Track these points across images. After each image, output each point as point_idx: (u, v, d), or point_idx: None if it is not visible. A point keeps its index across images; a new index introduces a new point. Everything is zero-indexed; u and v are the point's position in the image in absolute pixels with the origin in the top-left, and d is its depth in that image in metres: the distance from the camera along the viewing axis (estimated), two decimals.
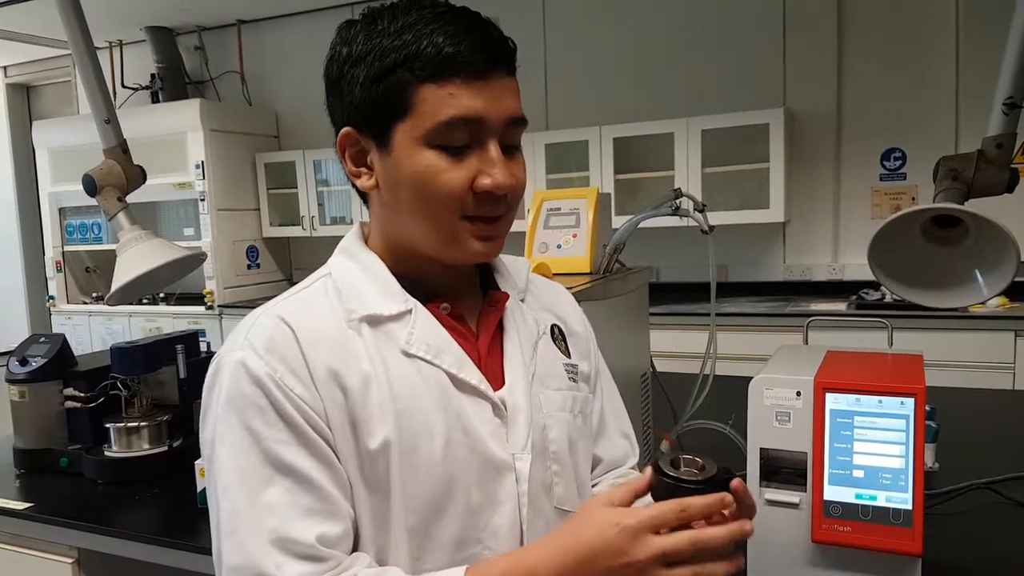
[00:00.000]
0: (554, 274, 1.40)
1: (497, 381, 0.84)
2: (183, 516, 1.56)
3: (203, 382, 0.80)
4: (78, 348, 2.19)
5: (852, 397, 1.04)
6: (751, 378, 1.10)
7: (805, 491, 1.07)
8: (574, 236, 1.58)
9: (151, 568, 1.48)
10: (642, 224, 1.58)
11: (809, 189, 4.03)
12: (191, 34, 5.39)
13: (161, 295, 5.02)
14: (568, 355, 0.94)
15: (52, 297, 5.34)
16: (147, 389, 1.87)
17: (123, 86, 5.46)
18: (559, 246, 1.58)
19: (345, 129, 0.81)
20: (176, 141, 4.75)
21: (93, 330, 5.17)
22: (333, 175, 4.92)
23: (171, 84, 5.23)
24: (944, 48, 3.73)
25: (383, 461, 0.77)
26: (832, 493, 1.05)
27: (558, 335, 0.95)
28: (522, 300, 0.93)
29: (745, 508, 0.74)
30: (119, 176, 2.07)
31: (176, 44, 5.34)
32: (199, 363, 1.88)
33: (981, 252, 1.33)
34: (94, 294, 5.33)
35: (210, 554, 0.78)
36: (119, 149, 2.08)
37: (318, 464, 0.75)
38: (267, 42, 5.26)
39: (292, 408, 0.75)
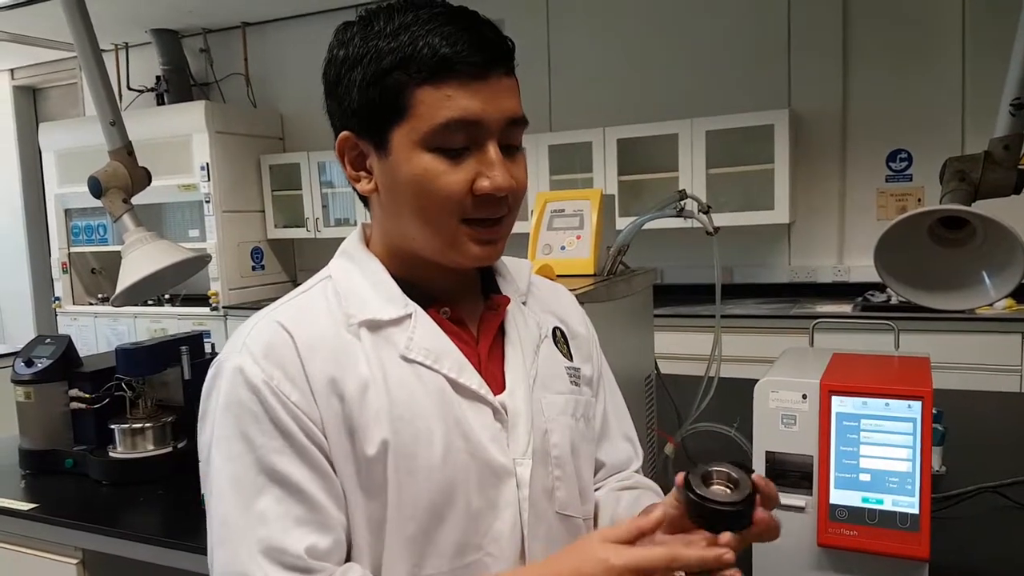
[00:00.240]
0: (558, 276, 1.40)
1: (498, 385, 0.84)
2: (187, 517, 1.56)
3: None
4: (84, 349, 2.20)
5: (859, 400, 1.04)
6: (756, 380, 1.09)
7: (811, 494, 1.06)
8: (578, 238, 1.58)
9: (155, 569, 1.48)
10: (646, 225, 1.57)
11: (814, 190, 4.02)
12: (196, 36, 5.41)
13: (166, 296, 5.03)
14: (570, 358, 0.94)
15: (58, 298, 5.36)
16: (152, 390, 1.88)
17: (129, 88, 5.48)
18: (563, 248, 1.58)
19: (343, 133, 0.81)
20: (181, 143, 4.77)
21: (99, 331, 5.18)
22: (337, 177, 4.93)
23: (176, 86, 5.25)
24: (950, 48, 3.72)
25: (380, 467, 0.76)
26: (838, 497, 1.04)
27: (560, 338, 0.94)
28: (524, 303, 0.93)
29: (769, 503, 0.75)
30: (124, 178, 2.07)
31: (181, 47, 5.35)
32: (204, 364, 1.88)
33: (988, 254, 1.32)
34: (100, 295, 5.35)
35: None
36: (124, 151, 2.09)
37: (311, 474, 0.74)
38: (272, 44, 5.27)
39: (287, 416, 0.74)
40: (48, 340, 1.92)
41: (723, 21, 4.10)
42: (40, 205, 5.87)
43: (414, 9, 0.76)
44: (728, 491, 0.72)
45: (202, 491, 0.78)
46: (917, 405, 1.01)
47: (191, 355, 1.87)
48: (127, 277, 1.96)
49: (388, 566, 0.77)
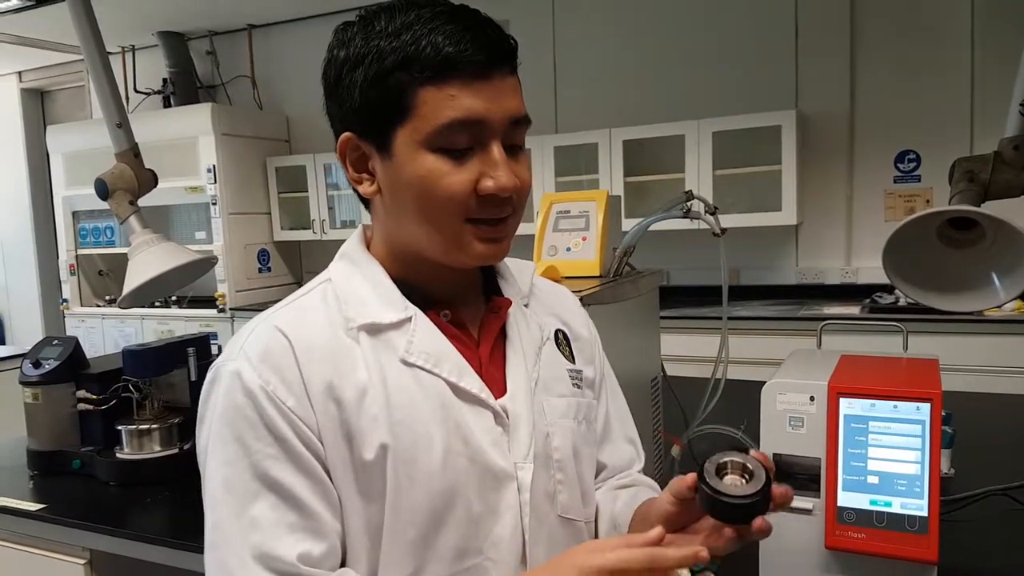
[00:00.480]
0: (563, 277, 1.40)
1: (499, 389, 0.83)
2: (194, 518, 1.54)
3: None
4: (92, 351, 2.21)
5: (867, 402, 1.03)
6: (763, 382, 1.09)
7: (819, 497, 1.06)
8: (583, 239, 1.57)
9: (163, 569, 1.48)
10: (653, 227, 1.57)
11: (822, 191, 4.00)
12: (203, 39, 5.43)
13: (173, 298, 5.05)
14: (572, 360, 0.93)
15: (66, 300, 5.39)
16: (158, 392, 1.88)
17: (135, 91, 5.50)
18: (568, 249, 1.58)
19: (345, 134, 0.80)
20: (187, 145, 4.78)
21: (106, 333, 5.20)
22: (343, 179, 4.92)
23: (183, 89, 5.27)
24: (959, 48, 3.70)
25: (379, 472, 0.76)
26: (846, 499, 1.04)
27: (562, 340, 0.94)
28: (526, 305, 0.92)
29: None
30: (131, 180, 2.08)
31: (188, 49, 5.38)
32: (210, 366, 1.88)
33: (998, 255, 1.31)
34: (107, 297, 5.37)
35: None
36: (131, 153, 2.10)
37: (306, 480, 0.74)
38: (278, 46, 5.28)
39: (283, 422, 0.74)
40: (56, 341, 1.93)
41: (730, 21, 4.09)
42: (48, 207, 5.91)
43: (416, 8, 0.75)
44: (743, 482, 0.71)
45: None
46: (926, 407, 1.00)
47: (198, 356, 1.87)
48: (134, 279, 1.97)
49: (386, 571, 0.77)
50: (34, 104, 6.35)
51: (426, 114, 0.74)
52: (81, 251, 5.33)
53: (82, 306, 5.34)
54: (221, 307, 4.80)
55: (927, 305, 1.38)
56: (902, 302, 3.50)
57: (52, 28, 4.85)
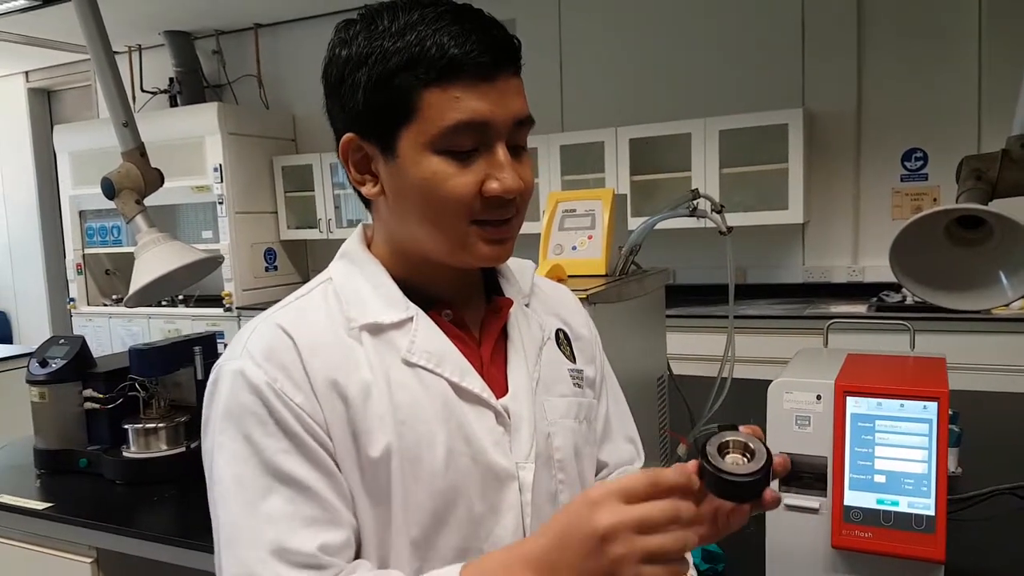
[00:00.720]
0: (569, 276, 1.40)
1: (500, 389, 0.83)
2: (201, 516, 1.54)
3: None
4: (99, 350, 2.22)
5: (874, 401, 1.02)
6: (770, 381, 1.08)
7: (825, 496, 1.05)
8: (589, 238, 1.57)
9: (169, 568, 1.49)
10: (659, 225, 1.56)
11: (828, 190, 3.99)
12: (209, 38, 5.44)
13: (180, 297, 5.06)
14: (573, 360, 0.93)
15: (73, 299, 5.41)
16: (165, 390, 1.89)
17: (142, 90, 5.52)
18: (574, 248, 1.58)
19: (348, 135, 0.79)
20: (194, 144, 4.80)
21: (113, 332, 5.22)
22: None
23: (189, 88, 5.28)
24: (966, 46, 3.68)
25: (384, 471, 0.76)
26: (853, 498, 1.03)
27: (563, 340, 0.94)
28: (527, 304, 0.92)
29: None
30: (137, 179, 2.08)
31: (194, 48, 5.39)
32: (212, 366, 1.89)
33: (1005, 253, 1.30)
34: (114, 296, 5.39)
35: None
36: (137, 152, 2.10)
37: (318, 473, 0.74)
38: (284, 45, 5.29)
39: (291, 417, 0.74)
40: (62, 341, 1.93)
41: (736, 20, 4.08)
42: (55, 207, 5.93)
43: (419, 7, 0.75)
44: (744, 460, 0.72)
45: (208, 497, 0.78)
46: (933, 406, 1.00)
47: (204, 355, 1.88)
48: (140, 278, 1.98)
49: (392, 569, 0.77)
50: (41, 104, 6.38)
51: (431, 116, 0.74)
52: (88, 250, 5.35)
53: (89, 305, 5.37)
54: (228, 306, 4.81)
55: (934, 304, 1.37)
56: (909, 301, 3.49)
57: (59, 28, 4.87)
